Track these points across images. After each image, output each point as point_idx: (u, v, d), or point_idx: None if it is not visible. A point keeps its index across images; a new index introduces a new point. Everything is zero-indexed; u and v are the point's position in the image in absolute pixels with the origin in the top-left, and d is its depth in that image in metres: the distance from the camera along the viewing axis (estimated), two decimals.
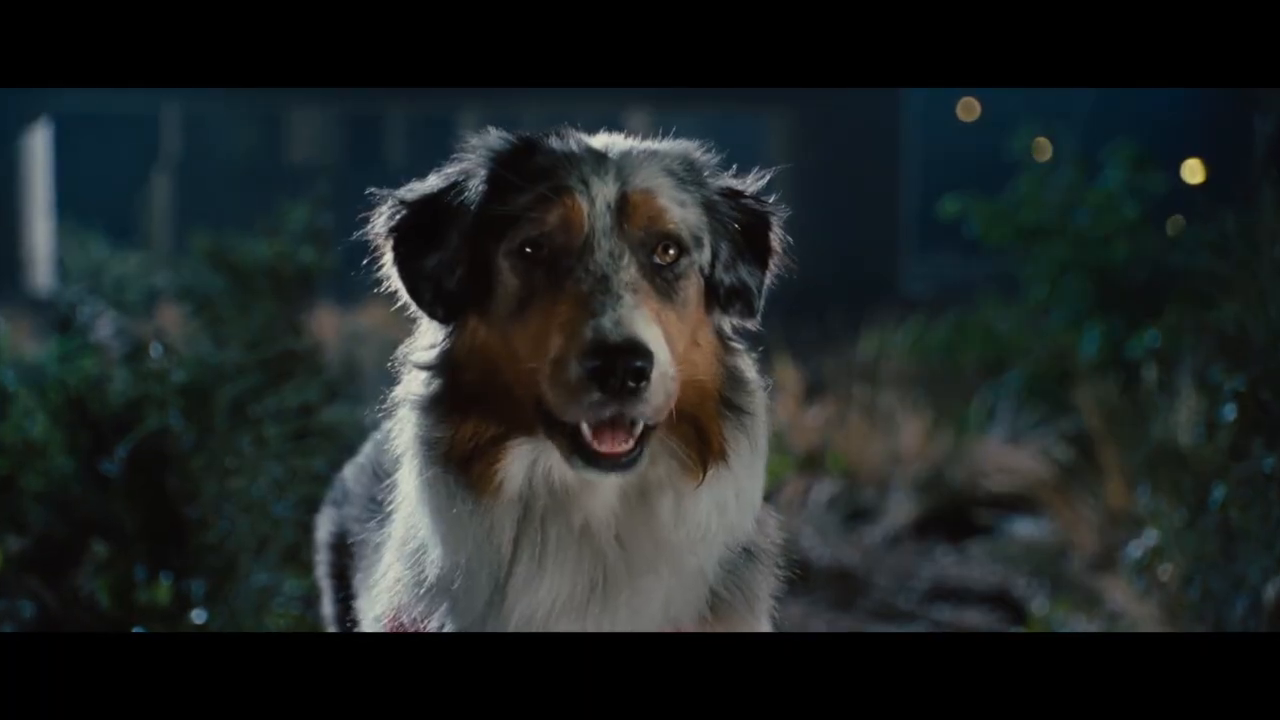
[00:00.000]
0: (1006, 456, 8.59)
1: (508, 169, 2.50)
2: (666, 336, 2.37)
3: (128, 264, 18.19)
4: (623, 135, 2.65)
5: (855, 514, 8.66)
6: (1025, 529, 8.05)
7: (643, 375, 2.25)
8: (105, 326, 6.37)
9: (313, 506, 3.60)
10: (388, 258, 2.59)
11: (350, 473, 3.22)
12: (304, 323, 6.24)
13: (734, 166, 2.68)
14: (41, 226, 22.70)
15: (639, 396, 2.26)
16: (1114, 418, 7.57)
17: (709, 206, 2.57)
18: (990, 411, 9.78)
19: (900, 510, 8.48)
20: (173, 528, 4.39)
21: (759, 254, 2.64)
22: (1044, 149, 11.60)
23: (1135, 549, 5.79)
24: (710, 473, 2.46)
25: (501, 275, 2.45)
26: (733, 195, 2.63)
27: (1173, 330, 7.52)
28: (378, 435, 3.05)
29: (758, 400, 2.57)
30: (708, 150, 2.66)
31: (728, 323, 2.62)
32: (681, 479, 2.46)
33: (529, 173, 2.48)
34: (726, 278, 2.58)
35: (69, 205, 22.61)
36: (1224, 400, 5.42)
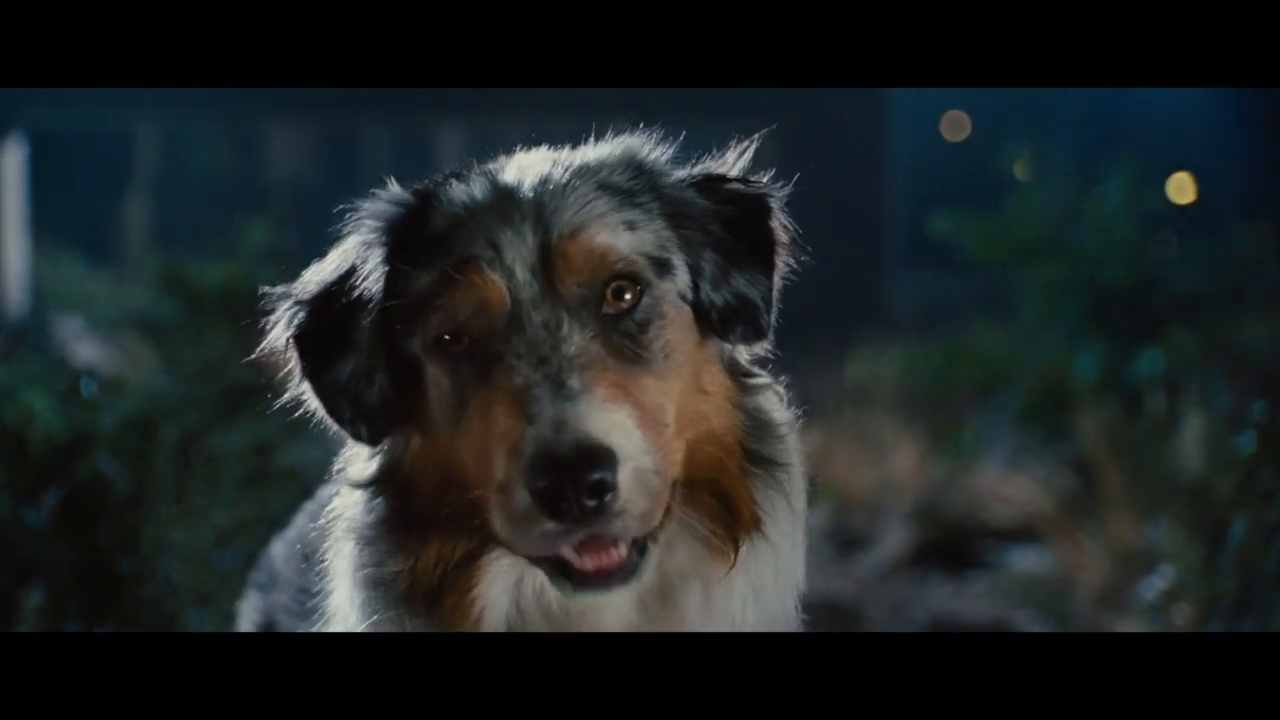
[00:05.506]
0: (1004, 484, 8.25)
1: (405, 239, 2.02)
2: (645, 408, 1.88)
3: (100, 285, 17.86)
4: (542, 150, 2.15)
5: (847, 544, 8.34)
6: (1025, 561, 7.71)
7: (603, 489, 1.78)
8: (57, 354, 6.03)
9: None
10: (295, 371, 2.10)
11: (280, 550, 2.74)
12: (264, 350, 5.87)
13: (712, 150, 2.18)
14: (14, 246, 22.34)
15: (605, 514, 1.79)
16: (1117, 444, 7.24)
17: (674, 215, 2.06)
18: (985, 436, 9.47)
19: (893, 540, 8.17)
20: (107, 580, 4.02)
21: (759, 252, 2.12)
22: (1034, 165, 11.32)
23: (1148, 589, 5.45)
24: (743, 550, 2.00)
25: (428, 375, 1.98)
26: (712, 184, 2.12)
27: (1179, 353, 7.25)
28: (310, 505, 2.61)
29: (790, 446, 2.09)
30: (657, 142, 2.15)
31: (743, 352, 2.13)
32: (709, 565, 2.00)
33: (428, 241, 1.99)
34: (718, 296, 2.07)
35: (46, 226, 22.26)
36: (1242, 429, 5.13)
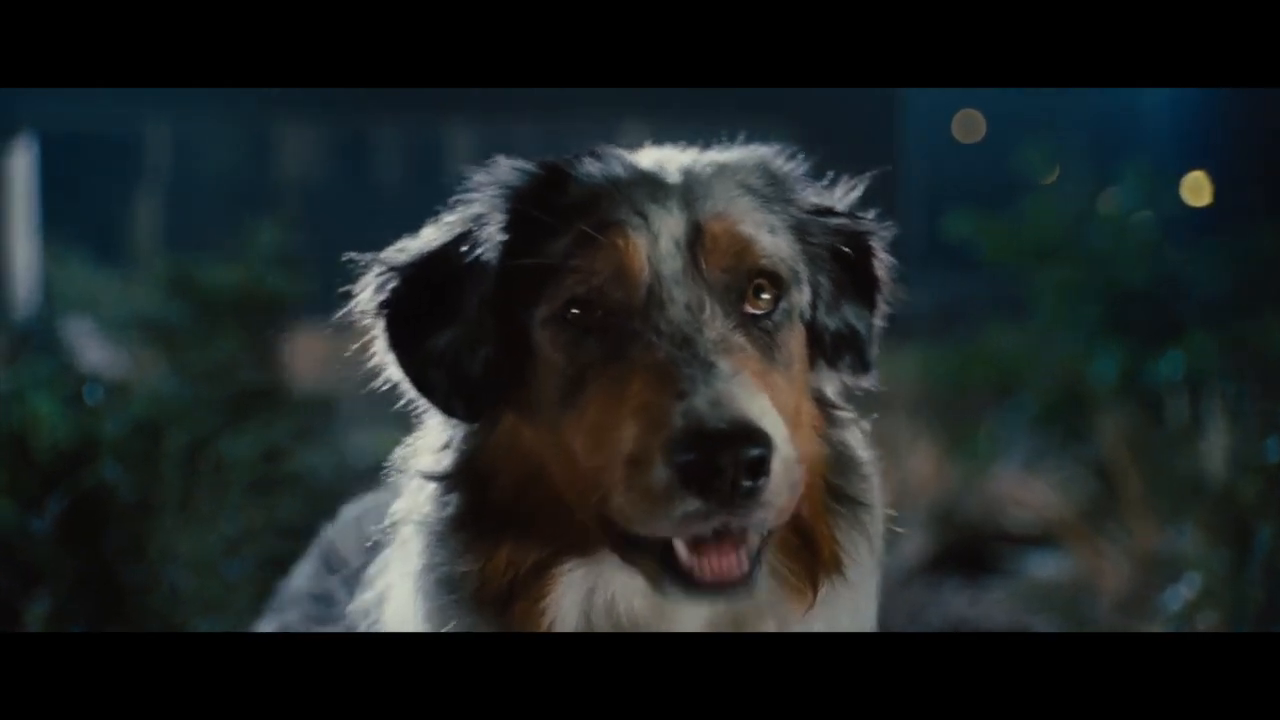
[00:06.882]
0: (1022, 488, 8.13)
1: (533, 207, 1.92)
2: (779, 407, 1.79)
3: (108, 286, 17.80)
4: (680, 148, 2.06)
5: None
6: (1044, 567, 7.60)
7: (761, 469, 1.69)
8: (64, 356, 5.96)
9: (275, 563, 3.11)
10: (380, 341, 2.01)
11: (303, 578, 2.62)
12: (274, 354, 5.80)
13: (830, 175, 2.11)
14: (22, 247, 22.32)
15: (756, 499, 1.69)
16: (1137, 448, 7.13)
17: (801, 231, 2.00)
18: (1002, 439, 9.36)
19: (909, 546, 8.05)
20: (112, 588, 3.94)
21: (864, 289, 2.08)
22: (1051, 168, 11.22)
23: (1174, 597, 5.35)
24: (822, 591, 1.92)
25: (541, 351, 1.87)
26: (824, 214, 2.06)
27: (1200, 356, 7.15)
28: (331, 528, 2.51)
29: (874, 486, 2.02)
30: (791, 156, 2.09)
31: (831, 385, 2.07)
32: (785, 604, 1.91)
33: (563, 209, 1.90)
34: (831, 322, 2.03)
35: (54, 227, 22.24)
36: (1266, 434, 5.05)
